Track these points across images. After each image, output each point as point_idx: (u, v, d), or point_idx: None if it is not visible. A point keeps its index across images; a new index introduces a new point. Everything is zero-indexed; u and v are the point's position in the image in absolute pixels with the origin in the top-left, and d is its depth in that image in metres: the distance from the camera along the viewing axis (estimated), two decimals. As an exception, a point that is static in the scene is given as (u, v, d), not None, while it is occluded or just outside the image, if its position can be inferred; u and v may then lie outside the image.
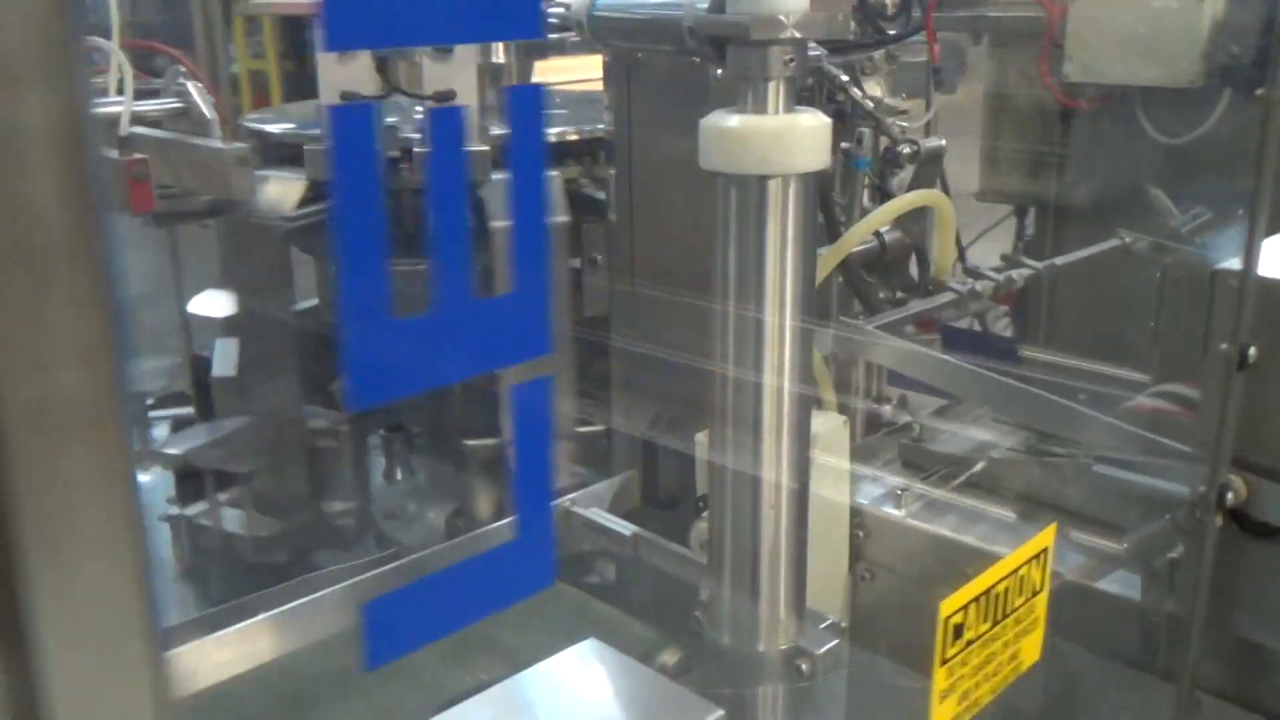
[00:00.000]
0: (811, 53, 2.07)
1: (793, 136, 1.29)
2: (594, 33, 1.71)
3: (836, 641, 1.42)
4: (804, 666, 1.41)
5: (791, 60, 1.27)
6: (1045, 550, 1.29)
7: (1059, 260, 2.46)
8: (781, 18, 1.24)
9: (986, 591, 1.23)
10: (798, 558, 1.43)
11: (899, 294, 2.03)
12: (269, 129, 2.40)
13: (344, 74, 2.12)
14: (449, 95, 2.09)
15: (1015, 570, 1.26)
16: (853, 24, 1.97)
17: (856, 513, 1.87)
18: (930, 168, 2.06)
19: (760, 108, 1.29)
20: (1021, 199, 3.02)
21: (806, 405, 1.40)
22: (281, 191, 2.17)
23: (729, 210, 1.32)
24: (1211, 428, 1.34)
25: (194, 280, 2.90)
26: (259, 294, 2.40)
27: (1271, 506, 1.37)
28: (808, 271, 1.35)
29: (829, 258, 1.69)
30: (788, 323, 1.34)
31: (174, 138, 2.26)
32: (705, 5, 1.34)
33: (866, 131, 2.07)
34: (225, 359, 2.44)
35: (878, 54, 2.13)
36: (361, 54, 2.12)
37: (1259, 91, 1.21)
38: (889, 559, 1.89)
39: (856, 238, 1.70)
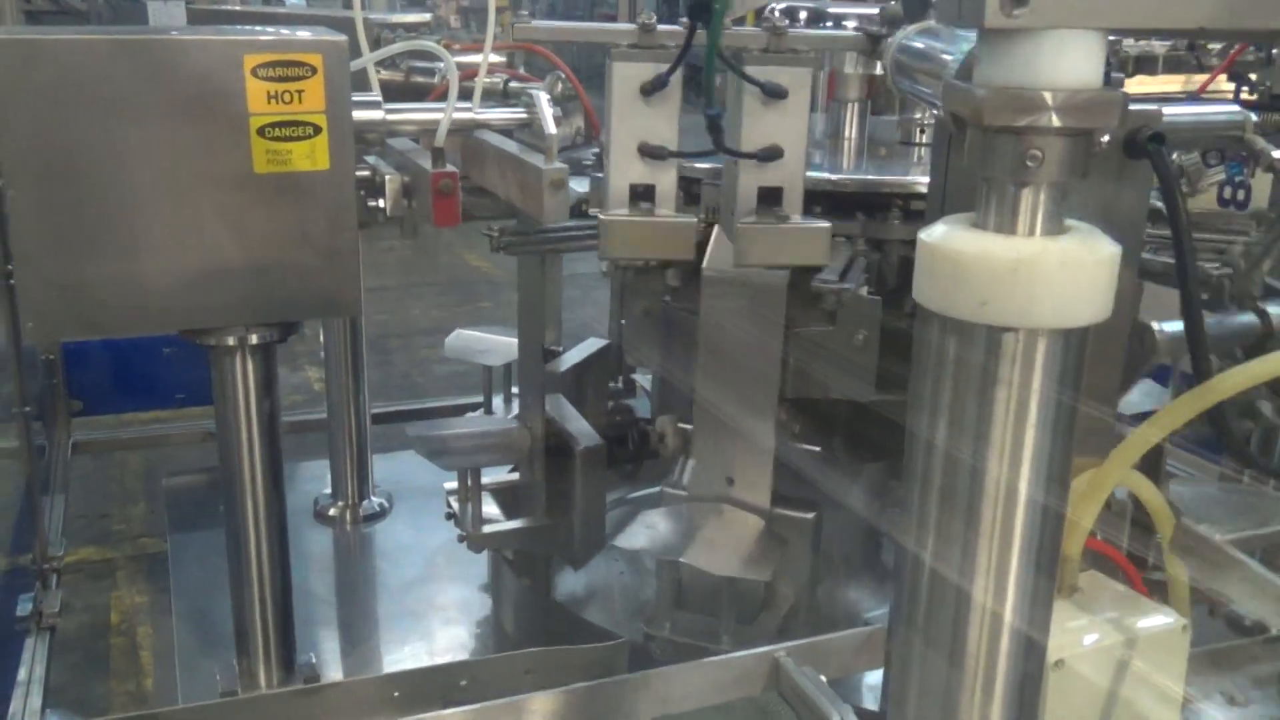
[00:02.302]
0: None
1: (1050, 273, 0.84)
2: (893, 75, 1.32)
3: None
4: None
5: (1059, 161, 0.83)
6: None
7: None
8: (1044, 95, 0.81)
9: None
10: None
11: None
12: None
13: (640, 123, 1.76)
14: (775, 153, 1.70)
15: None
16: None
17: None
18: None
19: (1004, 224, 0.86)
20: None
21: (1036, 642, 0.95)
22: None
23: (941, 366, 0.91)
24: None
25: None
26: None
27: None
28: (1055, 468, 0.90)
29: (1185, 405, 1.17)
30: (1016, 538, 0.91)
31: (505, 149, 2.15)
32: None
33: None
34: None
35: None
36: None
37: None
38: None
39: (1234, 385, 1.17)
